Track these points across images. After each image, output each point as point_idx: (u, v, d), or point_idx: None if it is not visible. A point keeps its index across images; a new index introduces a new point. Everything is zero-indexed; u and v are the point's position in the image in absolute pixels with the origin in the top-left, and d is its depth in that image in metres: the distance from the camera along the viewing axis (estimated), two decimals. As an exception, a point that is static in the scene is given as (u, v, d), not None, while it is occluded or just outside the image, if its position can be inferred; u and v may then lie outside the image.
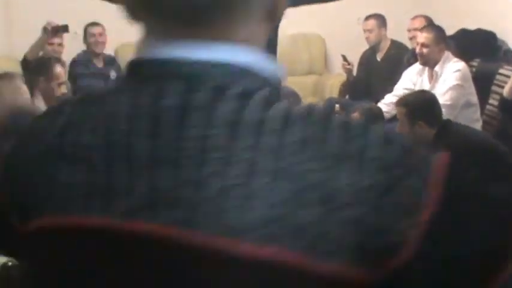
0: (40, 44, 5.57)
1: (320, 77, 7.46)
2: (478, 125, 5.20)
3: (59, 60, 4.69)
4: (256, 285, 0.69)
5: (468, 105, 5.19)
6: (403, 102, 4.25)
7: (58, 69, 4.49)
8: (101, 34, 6.21)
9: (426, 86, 5.20)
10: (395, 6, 6.59)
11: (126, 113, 0.74)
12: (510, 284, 0.72)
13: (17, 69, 5.38)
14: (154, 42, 0.77)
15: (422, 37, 5.27)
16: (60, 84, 4.46)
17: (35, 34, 5.55)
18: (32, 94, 3.95)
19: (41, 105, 4.29)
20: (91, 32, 6.21)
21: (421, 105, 4.16)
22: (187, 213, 0.69)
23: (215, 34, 0.76)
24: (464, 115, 5.07)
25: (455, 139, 3.92)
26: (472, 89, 5.24)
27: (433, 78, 5.28)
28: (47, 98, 4.38)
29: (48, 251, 0.76)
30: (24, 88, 3.60)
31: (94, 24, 6.18)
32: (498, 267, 0.71)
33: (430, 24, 5.69)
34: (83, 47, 6.28)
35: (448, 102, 4.86)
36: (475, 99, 5.26)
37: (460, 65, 5.23)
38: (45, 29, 5.46)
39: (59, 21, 5.45)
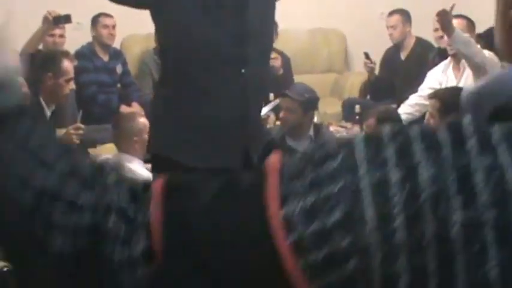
0: (40, 35, 5.27)
1: (340, 75, 7.36)
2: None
3: (66, 55, 4.53)
4: None
5: None
6: (438, 95, 4.07)
7: (66, 64, 4.33)
8: (113, 26, 6.01)
9: (453, 83, 5.01)
10: (421, 1, 6.44)
11: None
12: None
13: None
14: None
15: (455, 24, 5.01)
16: (68, 81, 4.31)
17: (35, 25, 5.28)
18: (37, 91, 3.87)
19: (46, 102, 4.23)
20: (104, 22, 5.97)
21: (456, 101, 3.86)
22: None
23: None
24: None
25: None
26: None
27: (459, 72, 5.10)
28: (53, 95, 4.28)
29: None
30: (24, 83, 3.41)
31: (106, 15, 5.93)
32: None
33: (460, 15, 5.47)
34: (86, 39, 6.06)
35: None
36: None
37: (487, 52, 4.95)
38: (45, 18, 5.14)
39: (61, 11, 5.14)
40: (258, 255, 0.57)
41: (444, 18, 4.56)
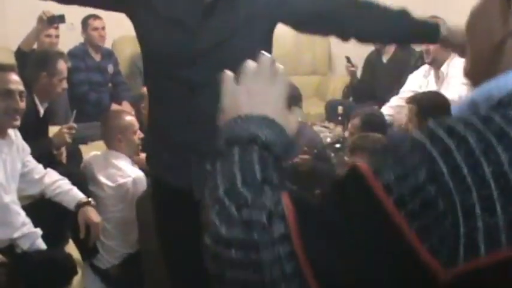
0: (35, 35, 5.37)
1: (323, 78, 7.41)
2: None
3: (62, 56, 4.53)
4: None
5: None
6: (416, 100, 4.13)
7: (61, 64, 4.37)
8: (103, 28, 6.11)
9: (433, 88, 5.05)
10: (404, 7, 6.41)
11: None
12: None
13: (11, 60, 5.22)
14: None
15: None
16: (61, 80, 4.35)
17: (31, 24, 5.36)
18: (30, 89, 3.84)
19: (40, 100, 4.27)
20: (94, 25, 6.08)
21: (433, 105, 4.02)
22: None
23: None
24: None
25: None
26: None
27: (439, 79, 5.15)
28: (46, 93, 4.31)
29: None
30: (19, 81, 3.46)
31: (96, 17, 6.04)
32: None
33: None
34: (78, 39, 6.15)
35: (455, 98, 4.65)
36: None
37: None
38: (40, 18, 5.21)
39: (55, 12, 5.26)
40: (371, 216, 0.79)
41: None
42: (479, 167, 0.77)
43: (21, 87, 3.41)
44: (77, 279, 3.33)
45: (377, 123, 4.41)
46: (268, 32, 2.38)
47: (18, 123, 3.37)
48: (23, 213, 3.23)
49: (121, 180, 3.87)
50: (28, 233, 3.19)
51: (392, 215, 0.77)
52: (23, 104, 3.40)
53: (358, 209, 0.79)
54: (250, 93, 1.04)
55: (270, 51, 2.31)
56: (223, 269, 0.84)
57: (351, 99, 6.33)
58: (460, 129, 0.79)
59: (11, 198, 3.23)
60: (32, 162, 3.57)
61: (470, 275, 0.77)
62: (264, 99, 1.03)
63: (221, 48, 2.26)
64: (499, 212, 0.76)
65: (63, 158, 4.29)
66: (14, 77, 3.40)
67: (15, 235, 3.15)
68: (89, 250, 3.67)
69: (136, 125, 4.12)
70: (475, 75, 0.99)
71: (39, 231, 3.23)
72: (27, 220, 3.22)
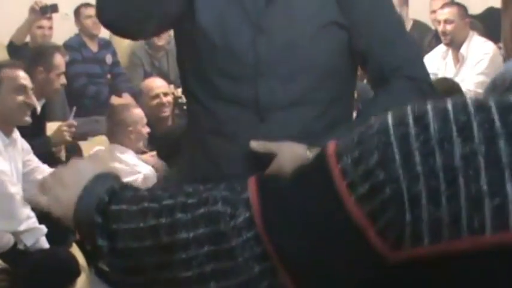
0: (27, 26, 5.47)
1: None
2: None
3: (59, 49, 4.61)
4: None
5: None
6: None
7: (58, 58, 4.42)
8: None
9: (451, 71, 5.05)
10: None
11: None
12: None
13: (3, 55, 5.39)
14: None
15: (445, 13, 5.15)
16: (59, 75, 4.39)
17: (22, 17, 5.47)
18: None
19: (36, 96, 4.20)
20: (86, 13, 6.01)
21: (443, 93, 3.88)
22: None
23: None
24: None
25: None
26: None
27: (458, 61, 5.13)
28: (45, 89, 4.36)
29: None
30: (27, 77, 3.57)
31: (88, 5, 5.97)
32: None
33: (451, 2, 5.57)
34: (74, 30, 6.11)
35: (479, 90, 4.65)
36: None
37: (489, 47, 5.09)
38: (32, 9, 5.35)
39: (48, 1, 5.23)
40: (327, 197, 0.81)
41: None
42: (431, 157, 0.77)
43: (30, 83, 3.52)
44: (81, 283, 3.43)
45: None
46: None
47: (29, 119, 3.51)
48: (28, 207, 3.30)
49: (129, 177, 3.87)
50: (33, 228, 3.28)
51: (344, 198, 0.80)
52: (34, 100, 3.55)
53: (315, 192, 0.83)
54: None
55: (354, 66, 1.89)
56: (200, 266, 0.86)
57: (365, 81, 6.17)
58: (428, 116, 0.80)
59: (17, 190, 3.30)
60: (34, 162, 3.63)
61: (415, 260, 0.79)
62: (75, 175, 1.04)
63: (293, 55, 1.78)
64: (444, 205, 0.77)
65: (62, 156, 4.28)
66: (23, 73, 3.51)
67: (21, 228, 3.24)
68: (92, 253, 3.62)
69: (145, 118, 4.23)
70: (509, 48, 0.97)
71: (44, 228, 3.31)
72: (32, 214, 3.29)
